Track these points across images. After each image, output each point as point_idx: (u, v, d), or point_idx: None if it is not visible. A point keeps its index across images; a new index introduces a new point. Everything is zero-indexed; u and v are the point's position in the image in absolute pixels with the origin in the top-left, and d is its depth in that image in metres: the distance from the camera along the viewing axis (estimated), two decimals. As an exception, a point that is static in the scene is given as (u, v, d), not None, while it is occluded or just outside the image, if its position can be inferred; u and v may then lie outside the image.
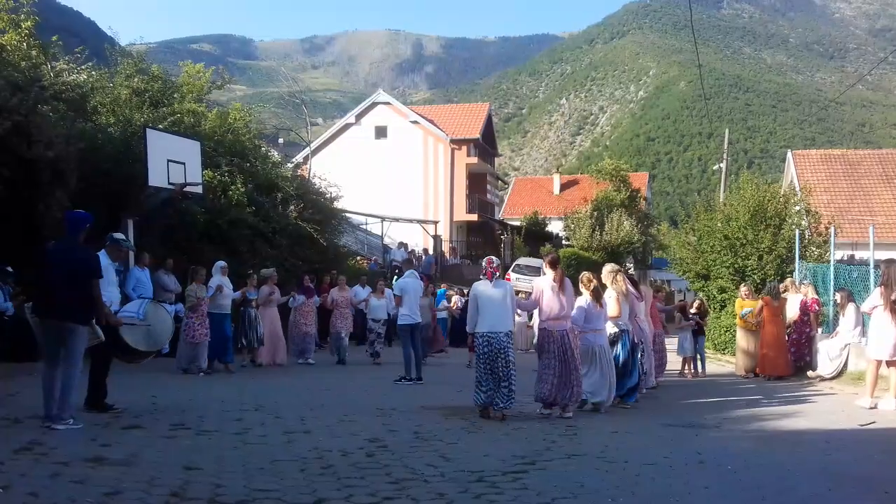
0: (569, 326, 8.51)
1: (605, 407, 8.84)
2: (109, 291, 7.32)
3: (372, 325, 14.91)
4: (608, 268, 9.95)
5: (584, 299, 8.93)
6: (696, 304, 15.50)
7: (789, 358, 13.15)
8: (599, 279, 9.44)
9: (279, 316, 13.84)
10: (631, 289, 10.11)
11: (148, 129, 13.77)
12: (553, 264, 8.61)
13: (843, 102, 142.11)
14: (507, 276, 29.16)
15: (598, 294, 9.02)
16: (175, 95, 18.85)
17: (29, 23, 15.64)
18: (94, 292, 6.61)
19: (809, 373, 12.84)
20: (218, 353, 11.97)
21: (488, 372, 8.03)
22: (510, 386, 8.03)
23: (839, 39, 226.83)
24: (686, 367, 14.58)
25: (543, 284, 8.51)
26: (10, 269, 11.15)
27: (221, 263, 12.35)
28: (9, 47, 14.71)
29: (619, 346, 9.49)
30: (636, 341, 9.84)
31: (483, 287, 8.27)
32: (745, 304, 13.86)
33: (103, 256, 7.30)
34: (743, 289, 14.50)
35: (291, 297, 14.26)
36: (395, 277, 19.02)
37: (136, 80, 18.13)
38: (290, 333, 14.44)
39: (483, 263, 8.57)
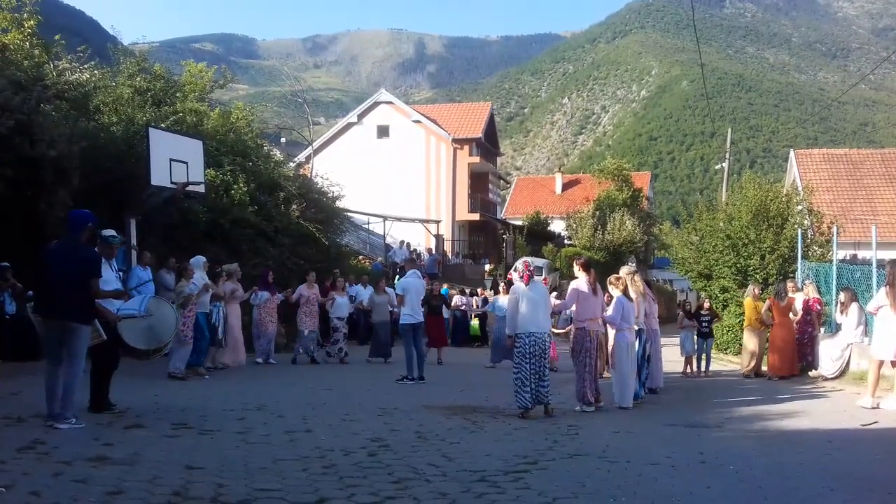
0: (600, 326, 9.05)
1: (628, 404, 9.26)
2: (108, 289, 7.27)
3: (336, 324, 14.42)
4: (626, 269, 10.37)
5: (619, 299, 9.31)
6: (705, 305, 15.33)
7: (796, 358, 13.13)
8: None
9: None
10: (648, 290, 10.61)
11: (150, 129, 13.77)
12: (586, 267, 9.04)
13: (846, 102, 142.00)
14: (508, 276, 29.26)
15: (628, 293, 9.52)
16: (177, 95, 18.87)
17: (32, 22, 15.61)
18: (92, 291, 6.58)
19: (811, 373, 12.81)
20: (198, 356, 11.16)
21: (531, 371, 8.20)
22: (547, 383, 8.34)
23: (842, 39, 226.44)
24: (688, 367, 14.54)
25: (579, 286, 8.85)
26: (6, 263, 11.14)
27: (202, 259, 11.74)
28: (11, 46, 14.70)
29: (638, 345, 9.87)
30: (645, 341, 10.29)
31: (525, 289, 8.40)
32: (759, 305, 13.75)
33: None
34: (752, 288, 14.38)
35: (253, 294, 13.37)
36: (398, 277, 19.02)
37: (138, 79, 18.14)
38: (255, 332, 13.71)
39: (519, 266, 8.73)
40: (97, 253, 6.93)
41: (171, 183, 13.56)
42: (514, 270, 8.93)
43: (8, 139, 10.81)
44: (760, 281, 17.38)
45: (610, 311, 9.29)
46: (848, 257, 18.20)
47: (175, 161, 13.57)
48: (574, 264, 9.40)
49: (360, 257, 27.15)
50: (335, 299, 14.57)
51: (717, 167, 46.78)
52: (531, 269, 8.69)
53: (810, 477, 5.51)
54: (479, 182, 40.87)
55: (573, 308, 9.11)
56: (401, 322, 12.05)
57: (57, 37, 17.15)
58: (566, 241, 38.19)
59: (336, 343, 14.44)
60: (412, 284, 11.96)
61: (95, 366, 7.37)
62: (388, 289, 15.10)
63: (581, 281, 8.98)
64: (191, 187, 14.03)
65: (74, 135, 12.66)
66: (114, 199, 13.22)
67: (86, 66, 16.95)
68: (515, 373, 8.31)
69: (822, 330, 13.60)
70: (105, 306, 7.14)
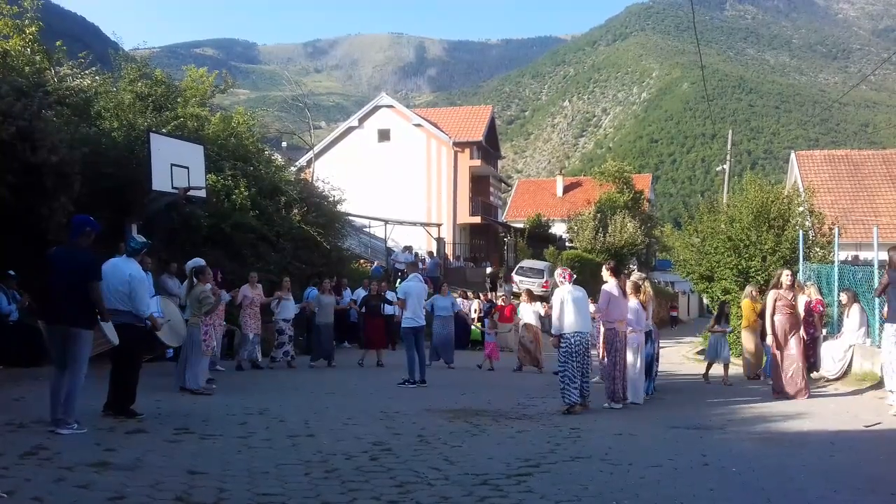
0: (626, 327, 9.64)
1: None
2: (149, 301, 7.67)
3: (282, 326, 13.61)
4: (636, 276, 11.05)
5: (634, 303, 9.98)
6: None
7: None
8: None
9: None
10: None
11: (151, 134, 13.81)
12: (615, 272, 9.63)
13: (847, 103, 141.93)
14: (511, 280, 29.22)
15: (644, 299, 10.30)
16: (178, 100, 18.90)
17: (33, 28, 15.67)
18: (92, 296, 6.56)
19: (814, 374, 12.78)
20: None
21: (576, 369, 8.75)
22: (589, 380, 9.01)
23: (842, 40, 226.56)
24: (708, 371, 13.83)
25: (611, 290, 9.37)
26: (11, 272, 11.18)
27: (200, 261, 10.36)
28: (13, 53, 14.75)
29: (648, 345, 10.53)
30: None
31: (571, 291, 8.97)
32: (757, 306, 13.63)
33: (137, 267, 7.46)
34: (750, 289, 14.25)
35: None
36: (399, 280, 19.01)
37: (139, 84, 18.18)
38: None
39: (562, 272, 9.40)
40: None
41: (173, 188, 13.58)
42: (555, 276, 9.68)
43: (10, 145, 10.84)
44: (761, 282, 17.36)
45: (629, 314, 9.83)
46: (849, 258, 18.20)
47: (176, 166, 13.60)
48: (604, 269, 9.84)
49: (362, 261, 27.16)
50: (280, 300, 13.73)
51: (718, 169, 46.77)
52: (570, 272, 9.36)
53: (813, 478, 5.50)
54: (480, 185, 40.88)
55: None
56: (402, 326, 12.05)
57: (58, 43, 17.21)
58: (567, 244, 38.17)
59: (282, 346, 13.67)
60: (413, 288, 11.97)
61: (121, 369, 7.45)
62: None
63: (611, 284, 9.43)
64: (192, 192, 14.06)
65: (76, 140, 12.71)
66: (115, 204, 13.24)
67: (87, 71, 17.02)
68: (562, 371, 8.81)
69: (825, 331, 13.57)
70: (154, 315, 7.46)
